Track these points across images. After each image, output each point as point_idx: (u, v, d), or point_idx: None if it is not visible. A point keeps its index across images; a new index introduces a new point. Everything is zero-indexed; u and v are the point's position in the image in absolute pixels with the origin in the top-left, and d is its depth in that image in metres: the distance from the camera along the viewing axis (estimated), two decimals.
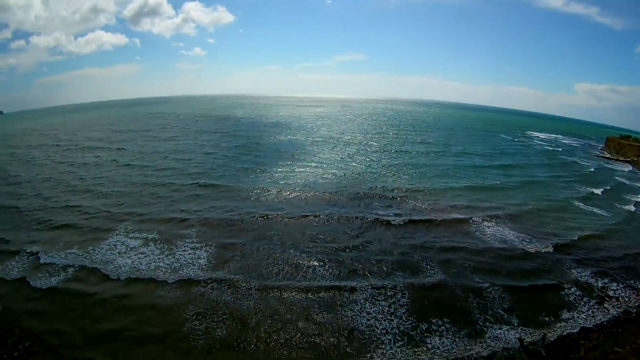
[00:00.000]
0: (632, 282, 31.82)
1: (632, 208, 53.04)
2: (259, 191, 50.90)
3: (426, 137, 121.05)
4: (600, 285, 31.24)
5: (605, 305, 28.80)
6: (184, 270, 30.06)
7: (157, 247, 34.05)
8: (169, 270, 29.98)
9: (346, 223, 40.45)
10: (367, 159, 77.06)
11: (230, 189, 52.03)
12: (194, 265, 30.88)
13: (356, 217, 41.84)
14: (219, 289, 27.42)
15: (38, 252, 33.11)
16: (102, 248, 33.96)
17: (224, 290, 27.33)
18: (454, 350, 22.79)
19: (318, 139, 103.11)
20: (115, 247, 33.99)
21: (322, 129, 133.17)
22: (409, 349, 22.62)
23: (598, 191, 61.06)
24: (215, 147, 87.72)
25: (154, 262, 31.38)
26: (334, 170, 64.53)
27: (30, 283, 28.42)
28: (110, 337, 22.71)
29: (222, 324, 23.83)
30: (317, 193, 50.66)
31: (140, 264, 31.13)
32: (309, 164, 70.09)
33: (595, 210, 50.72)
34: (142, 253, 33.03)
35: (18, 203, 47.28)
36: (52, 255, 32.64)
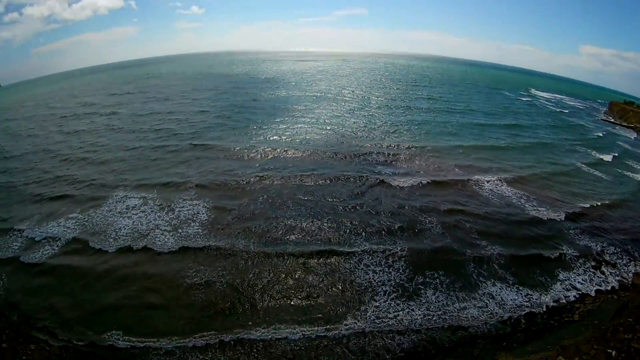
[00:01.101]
0: (632, 251, 31.88)
1: None
2: (255, 150, 50.26)
3: (428, 92, 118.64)
4: (598, 249, 31.54)
5: (603, 269, 29.26)
6: (184, 235, 30.23)
7: (153, 213, 34.08)
8: (168, 238, 29.90)
9: (346, 182, 40.16)
10: (368, 115, 75.68)
11: (226, 149, 51.31)
12: (194, 234, 30.44)
13: (356, 177, 41.42)
14: (218, 254, 27.60)
15: (33, 227, 32.89)
16: (98, 216, 33.97)
17: (224, 255, 27.45)
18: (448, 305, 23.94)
19: (317, 95, 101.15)
20: (111, 219, 33.49)
21: (321, 83, 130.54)
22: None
23: (606, 158, 59.91)
24: (211, 106, 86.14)
25: (151, 232, 31.04)
26: (332, 127, 63.56)
27: (25, 261, 28.28)
28: (114, 309, 22.97)
29: (224, 289, 24.30)
30: (315, 151, 49.95)
31: (139, 232, 31.01)
32: (307, 120, 68.94)
33: (604, 177, 50.06)
34: (139, 220, 32.99)
35: (11, 178, 46.65)
36: (46, 230, 32.43)
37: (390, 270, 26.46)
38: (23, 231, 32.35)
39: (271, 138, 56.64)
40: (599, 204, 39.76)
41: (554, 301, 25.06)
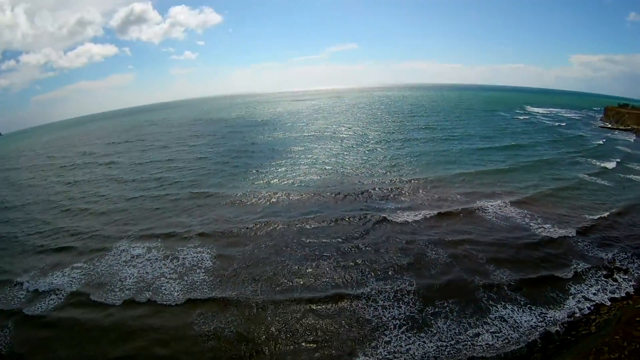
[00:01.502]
0: None
1: None
2: (256, 196, 50.07)
3: (425, 122, 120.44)
4: (609, 258, 31.59)
5: (615, 277, 29.19)
6: (189, 284, 29.76)
7: (158, 262, 33.82)
8: (174, 287, 29.57)
9: (349, 223, 39.65)
10: (367, 151, 76.29)
11: (227, 196, 51.16)
12: (200, 283, 29.92)
13: (359, 216, 40.97)
14: (225, 304, 27.01)
15: (36, 279, 32.74)
16: (102, 267, 33.71)
17: (231, 304, 26.86)
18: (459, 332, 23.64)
19: (314, 134, 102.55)
20: (115, 270, 33.15)
21: (317, 122, 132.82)
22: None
23: (609, 165, 60.20)
24: (210, 152, 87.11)
25: (157, 280, 30.71)
26: (332, 166, 63.87)
27: (29, 313, 27.93)
28: None
29: (232, 337, 23.77)
30: (316, 192, 49.84)
31: (145, 282, 30.61)
32: (306, 161, 69.38)
33: (609, 185, 50.31)
34: (144, 269, 32.70)
35: (12, 229, 46.88)
36: (50, 281, 32.24)
37: (400, 304, 26.09)
38: (24, 283, 32.17)
39: (271, 182, 56.81)
40: (606, 214, 39.83)
41: (568, 316, 24.72)
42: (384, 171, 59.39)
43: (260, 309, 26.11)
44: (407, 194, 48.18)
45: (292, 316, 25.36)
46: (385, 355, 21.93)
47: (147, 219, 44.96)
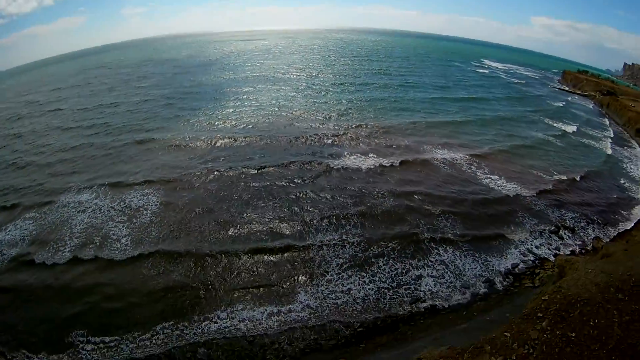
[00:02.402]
0: (593, 217, 33.59)
1: (609, 150, 52.88)
2: (202, 140, 49.37)
3: (377, 67, 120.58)
4: (557, 216, 33.03)
5: (561, 234, 30.66)
6: (137, 239, 29.27)
7: (102, 216, 32.89)
8: (122, 243, 28.97)
9: (299, 169, 39.97)
10: (318, 95, 76.02)
11: (172, 141, 49.90)
12: (147, 237, 29.48)
13: (308, 162, 41.35)
14: (172, 257, 27.03)
15: None
16: (47, 224, 32.43)
17: (179, 257, 26.93)
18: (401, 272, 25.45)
19: (263, 75, 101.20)
20: (62, 226, 31.93)
21: (267, 63, 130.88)
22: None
23: (569, 129, 61.03)
24: (155, 94, 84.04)
25: (103, 239, 29.68)
26: (281, 110, 63.44)
27: None
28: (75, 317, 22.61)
29: (180, 290, 24.17)
30: (263, 137, 49.59)
31: (93, 237, 29.85)
32: (254, 104, 68.72)
33: (568, 148, 51.40)
34: (92, 222, 31.93)
35: None
36: None
37: (345, 245, 27.77)
38: None
39: (217, 125, 56.11)
40: (563, 177, 41.06)
41: (512, 268, 26.26)
42: (335, 116, 59.44)
43: (207, 259, 26.65)
44: (358, 140, 48.56)
45: (239, 263, 26.24)
46: (327, 294, 23.51)
47: (92, 168, 43.49)
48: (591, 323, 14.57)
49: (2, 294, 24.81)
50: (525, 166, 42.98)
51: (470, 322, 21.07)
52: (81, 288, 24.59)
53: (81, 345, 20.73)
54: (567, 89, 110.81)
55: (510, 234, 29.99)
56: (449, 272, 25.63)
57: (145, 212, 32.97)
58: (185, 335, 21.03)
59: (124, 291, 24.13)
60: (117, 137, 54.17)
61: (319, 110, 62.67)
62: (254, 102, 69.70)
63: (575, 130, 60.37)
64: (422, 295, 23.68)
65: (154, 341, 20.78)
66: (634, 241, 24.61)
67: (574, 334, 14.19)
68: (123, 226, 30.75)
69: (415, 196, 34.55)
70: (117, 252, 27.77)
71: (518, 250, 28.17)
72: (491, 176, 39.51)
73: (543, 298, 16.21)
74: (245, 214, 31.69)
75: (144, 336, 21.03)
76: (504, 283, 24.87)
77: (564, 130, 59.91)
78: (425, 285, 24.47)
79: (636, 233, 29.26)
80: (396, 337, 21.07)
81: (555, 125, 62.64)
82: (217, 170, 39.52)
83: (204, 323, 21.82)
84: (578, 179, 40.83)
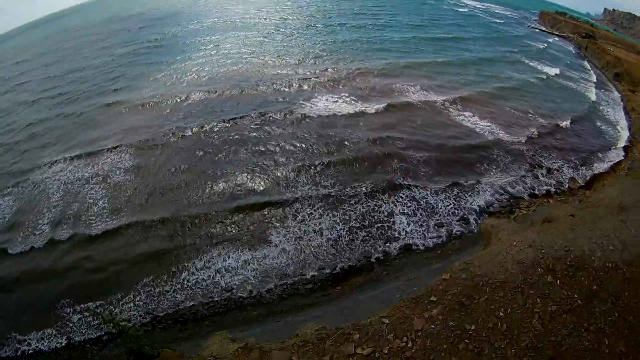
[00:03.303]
0: (571, 159, 33.81)
1: (592, 96, 51.47)
2: (170, 97, 48.45)
3: (348, 6, 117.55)
4: (533, 156, 33.43)
5: (536, 173, 31.12)
6: (113, 211, 29.15)
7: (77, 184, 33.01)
8: (98, 216, 28.89)
9: (270, 119, 39.58)
10: (287, 39, 74.96)
11: (139, 102, 48.71)
12: (122, 206, 29.58)
13: (281, 111, 40.82)
14: (150, 223, 27.23)
15: None
16: (21, 207, 31.94)
17: (157, 224, 27.14)
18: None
19: (230, 22, 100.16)
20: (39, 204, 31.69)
21: (235, 9, 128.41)
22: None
23: (551, 72, 59.43)
24: (120, 53, 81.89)
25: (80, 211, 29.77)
26: (249, 58, 62.59)
27: None
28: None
29: (161, 255, 24.79)
30: (233, 88, 48.82)
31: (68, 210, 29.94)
32: (222, 53, 67.89)
33: (552, 92, 50.34)
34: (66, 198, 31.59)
35: None
36: None
37: (319, 187, 28.79)
38: None
39: (186, 79, 55.40)
40: (545, 121, 40.70)
41: (487, 206, 27.00)
42: (308, 60, 58.97)
43: (184, 218, 27.09)
44: (332, 85, 48.16)
45: (215, 220, 26.88)
46: (300, 236, 24.80)
47: (63, 139, 42.98)
48: (500, 314, 12.55)
49: None
50: (507, 109, 42.80)
51: (445, 262, 21.73)
52: (64, 267, 24.91)
53: (67, 317, 21.58)
54: (545, 29, 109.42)
55: (486, 173, 30.62)
56: (421, 210, 26.52)
57: (119, 177, 33.04)
58: (166, 293, 22.06)
59: (104, 262, 24.63)
60: (85, 103, 53.34)
61: (290, 55, 61.99)
62: (222, 51, 68.82)
63: (558, 72, 59.43)
64: (396, 235, 24.67)
65: (136, 302, 21.80)
66: (587, 203, 21.21)
67: (473, 327, 12.29)
68: (98, 195, 30.91)
69: (392, 141, 34.76)
70: (95, 224, 27.94)
71: (493, 189, 28.75)
72: (471, 119, 39.59)
73: (443, 277, 14.29)
74: (219, 170, 31.93)
75: (126, 298, 22.02)
76: (479, 222, 25.42)
77: (546, 72, 58.93)
78: (399, 224, 25.45)
79: (593, 193, 24.75)
80: (372, 278, 22.09)
81: (537, 67, 61.79)
82: (188, 127, 39.35)
83: (182, 275, 22.93)
84: (561, 123, 40.55)
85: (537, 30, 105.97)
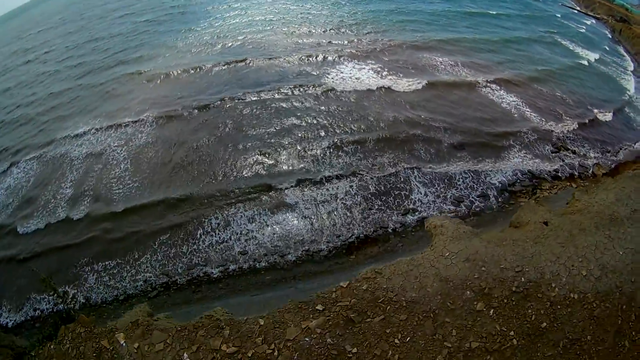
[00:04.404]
0: (598, 144, 33.10)
1: (631, 86, 47.80)
2: (191, 68, 48.55)
3: None
4: (566, 143, 32.69)
5: (562, 155, 30.74)
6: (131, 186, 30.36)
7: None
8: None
9: (297, 95, 39.27)
10: (316, 6, 73.77)
11: (158, 72, 49.36)
12: (146, 180, 30.90)
13: (306, 85, 40.64)
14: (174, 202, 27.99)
15: None
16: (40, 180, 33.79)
17: (181, 203, 27.76)
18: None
19: None
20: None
21: None
22: None
23: (592, 57, 55.67)
24: (140, 22, 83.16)
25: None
26: (274, 27, 61.84)
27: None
28: None
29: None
30: (257, 59, 48.44)
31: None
32: (244, 21, 67.48)
33: (594, 79, 47.72)
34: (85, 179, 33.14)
35: None
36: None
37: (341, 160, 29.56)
38: None
39: (207, 49, 55.57)
40: (579, 109, 38.70)
41: (508, 184, 27.10)
42: (337, 31, 57.93)
43: (208, 202, 27.41)
44: (361, 58, 47.07)
45: (235, 187, 27.94)
46: (317, 200, 25.98)
47: (83, 111, 44.21)
48: (396, 341, 11.30)
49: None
50: (544, 93, 41.34)
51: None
52: (82, 238, 26.20)
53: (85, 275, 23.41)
54: (580, 9, 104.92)
55: (512, 154, 30.52)
56: (441, 184, 26.91)
57: (141, 150, 33.92)
58: (181, 254, 23.50)
59: (124, 231, 25.90)
60: (107, 73, 54.63)
61: (319, 24, 61.62)
62: (247, 17, 68.93)
63: (597, 57, 56.06)
64: (413, 206, 25.28)
65: (152, 262, 23.32)
66: (573, 207, 17.26)
67: (355, 350, 11.23)
68: (120, 169, 31.86)
69: (420, 118, 34.54)
70: (115, 199, 28.98)
71: (516, 168, 28.69)
72: (506, 101, 38.48)
73: (342, 284, 13.22)
74: (242, 144, 32.50)
75: (143, 258, 23.58)
76: (499, 199, 25.81)
77: (585, 57, 55.93)
78: (418, 196, 26.00)
79: (584, 195, 18.66)
80: (386, 249, 22.75)
81: (576, 50, 58.67)
82: (212, 99, 39.77)
83: (198, 233, 24.48)
84: (596, 111, 38.79)
85: (573, 10, 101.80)
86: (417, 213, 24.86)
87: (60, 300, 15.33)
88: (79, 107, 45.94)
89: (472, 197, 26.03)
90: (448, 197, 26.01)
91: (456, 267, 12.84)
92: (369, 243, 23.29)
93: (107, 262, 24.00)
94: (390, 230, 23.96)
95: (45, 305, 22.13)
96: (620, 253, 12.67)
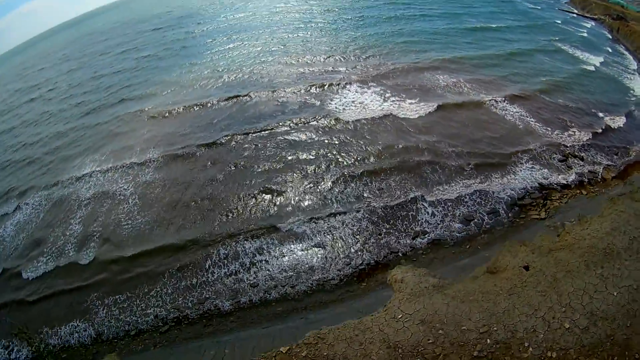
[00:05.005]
0: (605, 148, 33.12)
1: (637, 86, 47.58)
2: (194, 105, 49.36)
3: None
4: (568, 146, 33.01)
5: (570, 162, 30.83)
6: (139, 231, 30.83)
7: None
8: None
9: (304, 127, 39.65)
10: (317, 34, 75.13)
11: (161, 110, 50.42)
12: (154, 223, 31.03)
13: (312, 116, 41.22)
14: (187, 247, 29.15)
15: None
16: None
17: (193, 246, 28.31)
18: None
19: (255, 19, 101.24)
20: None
21: (257, 4, 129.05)
22: None
23: (597, 61, 55.81)
24: (142, 56, 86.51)
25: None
26: (275, 57, 63.05)
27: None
28: None
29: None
30: (262, 92, 49.25)
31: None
32: (246, 52, 69.27)
33: (599, 86, 47.01)
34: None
35: None
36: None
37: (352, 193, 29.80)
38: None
39: (210, 83, 56.59)
40: (589, 117, 38.57)
41: (518, 198, 27.21)
42: (339, 57, 58.45)
43: (218, 238, 27.85)
44: (364, 83, 47.42)
45: (245, 220, 28.75)
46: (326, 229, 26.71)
47: (86, 152, 44.94)
48: None
49: None
50: (553, 105, 41.04)
51: (471, 258, 22.52)
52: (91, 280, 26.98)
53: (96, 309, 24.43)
54: (577, 12, 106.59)
55: (520, 167, 30.72)
56: (449, 203, 27.39)
57: (146, 191, 34.61)
58: (192, 288, 24.47)
59: (133, 270, 26.79)
60: (110, 111, 55.94)
61: (320, 52, 62.09)
62: (248, 49, 70.16)
63: (602, 61, 56.35)
64: (423, 229, 25.67)
65: (162, 296, 24.38)
66: (564, 241, 15.59)
67: None
68: (125, 211, 32.56)
69: (428, 143, 34.60)
70: (123, 243, 29.46)
71: (525, 181, 28.90)
72: (515, 117, 38.58)
73: (281, 349, 13.08)
74: (249, 181, 33.01)
75: (152, 292, 24.62)
76: (509, 214, 26.03)
77: (589, 62, 56.20)
78: (426, 216, 26.55)
79: (577, 226, 16.84)
80: None
81: (580, 56, 58.85)
82: (217, 137, 40.22)
83: (206, 263, 25.54)
84: (607, 117, 38.61)
85: (572, 14, 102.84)
86: (426, 235, 25.27)
87: (35, 351, 15.90)
88: (84, 146, 46.97)
89: (481, 214, 26.34)
90: (457, 215, 26.45)
91: (408, 331, 11.64)
92: (379, 269, 23.64)
93: (117, 297, 25.00)
94: (400, 254, 24.36)
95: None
96: (615, 294, 11.15)
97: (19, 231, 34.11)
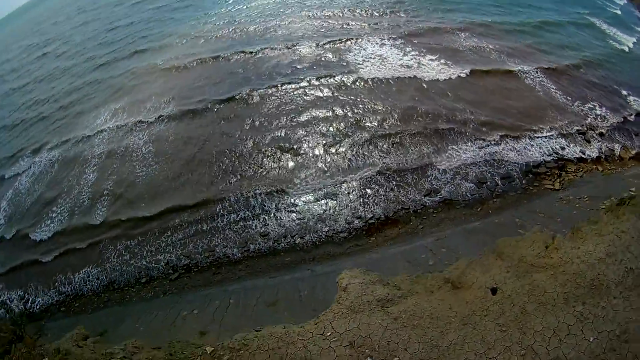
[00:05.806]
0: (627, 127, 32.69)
1: None
2: (210, 59, 49.22)
3: None
4: (590, 120, 32.70)
5: (589, 136, 30.70)
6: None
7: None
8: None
9: (319, 84, 39.12)
10: None
11: (175, 63, 50.22)
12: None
13: (336, 75, 40.12)
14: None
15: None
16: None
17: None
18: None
19: None
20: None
21: None
22: None
23: (629, 41, 53.54)
24: (154, 5, 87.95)
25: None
26: (294, 11, 61.49)
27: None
28: None
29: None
30: (280, 47, 48.11)
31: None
32: (266, 3, 67.78)
33: (631, 67, 45.65)
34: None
35: None
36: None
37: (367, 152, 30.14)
38: None
39: (224, 37, 55.89)
40: (616, 97, 37.58)
41: (534, 166, 27.38)
42: (364, 13, 57.13)
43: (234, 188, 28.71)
44: (388, 42, 46.07)
45: (257, 172, 29.76)
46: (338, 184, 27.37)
47: (97, 108, 45.69)
48: None
49: None
50: (588, 83, 39.81)
51: (482, 222, 22.89)
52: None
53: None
54: None
55: (539, 133, 30.76)
56: (465, 163, 27.75)
57: (158, 148, 35.01)
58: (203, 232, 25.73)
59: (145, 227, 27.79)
60: (122, 65, 56.76)
61: (339, 7, 60.22)
62: (261, 0, 69.21)
63: (635, 42, 53.86)
64: (435, 187, 26.16)
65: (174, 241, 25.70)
66: (549, 260, 11.81)
67: None
68: (137, 169, 33.26)
69: (452, 108, 34.13)
70: (135, 204, 30.13)
71: (543, 149, 29.00)
72: (542, 89, 37.84)
73: (208, 350, 12.07)
74: (265, 138, 33.13)
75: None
76: (523, 181, 26.30)
77: (624, 41, 53.54)
78: (439, 174, 27.06)
79: (570, 242, 12.53)
80: (407, 231, 23.74)
81: (613, 34, 56.22)
82: (232, 93, 39.95)
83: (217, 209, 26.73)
84: (632, 99, 37.47)
85: None
86: (438, 194, 25.74)
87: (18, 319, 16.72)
88: (97, 101, 47.68)
89: (495, 178, 26.61)
90: (470, 176, 26.76)
91: (334, 353, 10.50)
92: (389, 224, 24.37)
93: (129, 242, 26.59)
94: (411, 211, 24.95)
95: None
96: (590, 340, 9.15)
97: (31, 189, 35.32)
